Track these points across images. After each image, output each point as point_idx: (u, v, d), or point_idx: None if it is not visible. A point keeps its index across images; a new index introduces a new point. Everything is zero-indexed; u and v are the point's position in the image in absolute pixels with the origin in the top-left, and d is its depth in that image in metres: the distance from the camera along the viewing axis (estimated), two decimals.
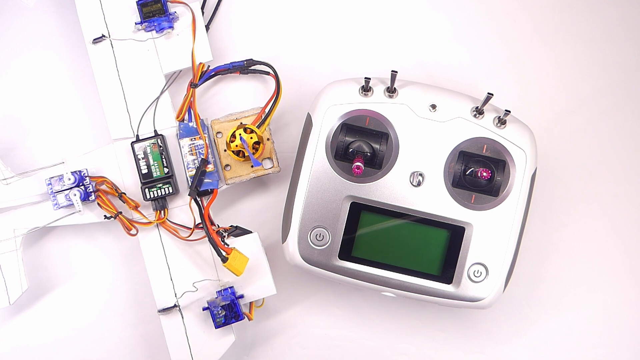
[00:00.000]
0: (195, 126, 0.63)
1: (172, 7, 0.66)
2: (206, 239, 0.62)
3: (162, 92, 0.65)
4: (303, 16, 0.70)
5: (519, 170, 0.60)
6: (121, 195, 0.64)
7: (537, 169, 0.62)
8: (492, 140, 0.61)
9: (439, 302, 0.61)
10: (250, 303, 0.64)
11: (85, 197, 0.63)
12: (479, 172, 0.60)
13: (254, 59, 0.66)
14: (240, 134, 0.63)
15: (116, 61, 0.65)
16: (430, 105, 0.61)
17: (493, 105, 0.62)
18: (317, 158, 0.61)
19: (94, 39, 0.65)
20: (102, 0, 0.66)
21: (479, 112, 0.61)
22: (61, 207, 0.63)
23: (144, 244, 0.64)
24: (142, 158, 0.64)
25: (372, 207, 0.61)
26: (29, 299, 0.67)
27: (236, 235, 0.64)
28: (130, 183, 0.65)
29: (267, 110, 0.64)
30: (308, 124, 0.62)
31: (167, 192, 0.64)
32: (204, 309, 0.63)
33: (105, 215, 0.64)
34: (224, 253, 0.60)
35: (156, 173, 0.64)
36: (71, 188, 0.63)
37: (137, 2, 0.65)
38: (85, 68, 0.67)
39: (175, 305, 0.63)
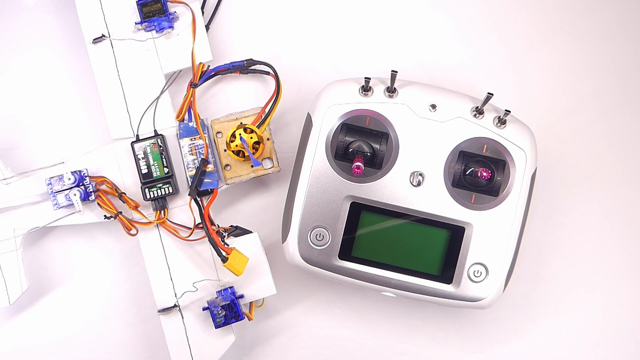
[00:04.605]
0: (195, 126, 0.63)
1: (172, 7, 0.66)
2: (206, 239, 0.62)
3: (162, 92, 0.65)
4: (303, 16, 0.70)
5: (519, 170, 0.60)
6: (121, 195, 0.64)
7: (537, 168, 0.62)
8: (492, 140, 0.61)
9: (439, 302, 0.61)
10: (250, 303, 0.64)
11: (85, 197, 0.63)
12: (479, 172, 0.60)
13: (254, 59, 0.66)
14: (240, 134, 0.63)
15: (116, 61, 0.65)
16: (430, 105, 0.61)
17: (493, 105, 0.62)
18: (317, 158, 0.61)
19: (94, 39, 0.65)
20: (102, 0, 0.66)
21: (479, 112, 0.61)
22: (61, 207, 0.63)
23: (144, 244, 0.64)
24: (142, 158, 0.64)
25: (372, 207, 0.61)
26: (29, 299, 0.67)
27: (236, 235, 0.64)
28: (130, 183, 0.65)
29: (267, 110, 0.64)
30: (308, 124, 0.62)
31: (167, 192, 0.64)
32: (204, 309, 0.63)
33: (105, 215, 0.64)
34: (224, 253, 0.60)
35: (156, 173, 0.64)
36: (71, 188, 0.63)
37: (137, 2, 0.65)
38: (85, 68, 0.67)
39: (175, 305, 0.63)
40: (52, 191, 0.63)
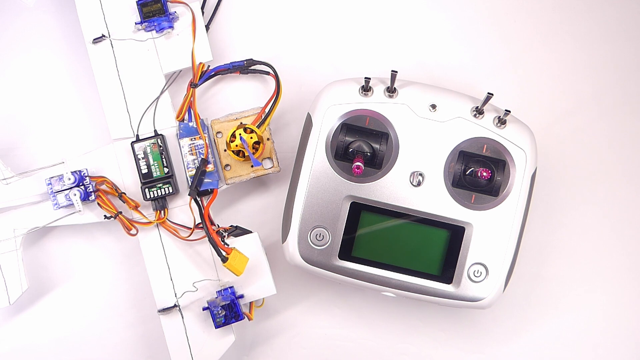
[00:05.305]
0: (195, 126, 0.63)
1: (172, 7, 0.66)
2: (206, 239, 0.62)
3: (162, 92, 0.65)
4: (303, 16, 0.70)
5: (519, 170, 0.60)
6: (121, 195, 0.64)
7: (537, 168, 0.62)
8: (492, 140, 0.61)
9: (439, 302, 0.61)
10: (250, 303, 0.64)
11: (85, 197, 0.63)
12: (479, 172, 0.60)
13: (254, 59, 0.66)
14: (240, 134, 0.63)
15: (116, 61, 0.65)
16: (430, 105, 0.61)
17: (493, 105, 0.62)
18: (317, 158, 0.61)
19: (94, 39, 0.65)
20: (102, 0, 0.66)
21: (479, 112, 0.61)
22: (61, 207, 0.63)
23: (144, 244, 0.64)
24: (142, 158, 0.64)
25: (372, 207, 0.61)
26: (29, 299, 0.67)
27: (236, 235, 0.64)
28: (130, 183, 0.65)
29: (267, 110, 0.64)
30: (308, 124, 0.62)
31: (167, 192, 0.64)
32: (204, 309, 0.63)
33: (105, 215, 0.64)
34: (224, 253, 0.60)
35: (156, 173, 0.64)
36: (71, 188, 0.63)
37: (137, 2, 0.65)
38: (85, 68, 0.67)
39: (175, 305, 0.63)
40: (52, 191, 0.63)
